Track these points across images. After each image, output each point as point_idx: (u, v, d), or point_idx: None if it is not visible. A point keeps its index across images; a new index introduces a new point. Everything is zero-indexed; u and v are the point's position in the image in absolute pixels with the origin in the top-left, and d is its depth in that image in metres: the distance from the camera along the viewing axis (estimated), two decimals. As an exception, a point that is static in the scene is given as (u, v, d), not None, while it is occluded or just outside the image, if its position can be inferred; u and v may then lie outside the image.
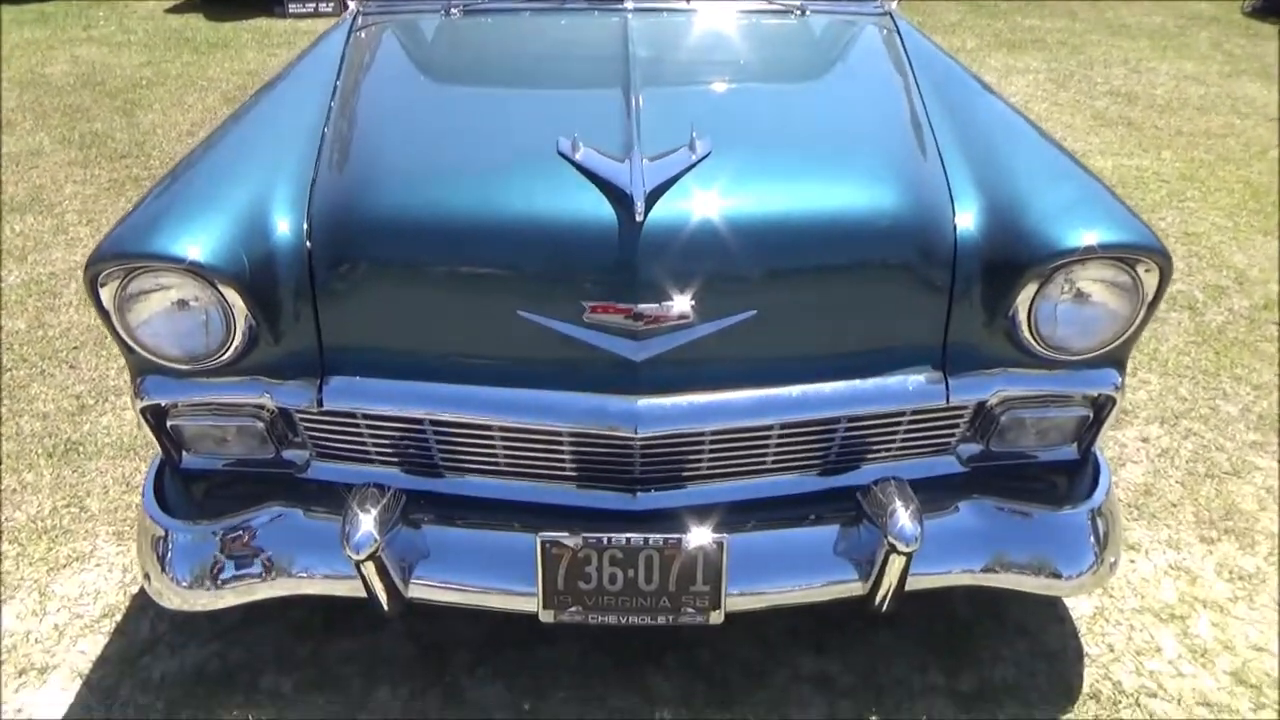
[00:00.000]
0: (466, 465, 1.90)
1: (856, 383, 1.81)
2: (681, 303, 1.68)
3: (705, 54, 2.53)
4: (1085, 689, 2.08)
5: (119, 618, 2.23)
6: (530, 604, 1.82)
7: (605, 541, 1.76)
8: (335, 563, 1.82)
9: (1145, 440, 2.92)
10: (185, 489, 1.96)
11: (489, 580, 1.84)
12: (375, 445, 1.88)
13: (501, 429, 1.80)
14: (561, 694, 2.03)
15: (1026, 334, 1.80)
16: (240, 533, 1.87)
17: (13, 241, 4.11)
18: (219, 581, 1.85)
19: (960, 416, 1.91)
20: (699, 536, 1.77)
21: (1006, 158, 2.01)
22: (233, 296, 1.69)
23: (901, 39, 2.63)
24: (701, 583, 1.79)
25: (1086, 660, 2.15)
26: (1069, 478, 2.01)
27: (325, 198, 1.82)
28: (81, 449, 2.85)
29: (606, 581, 1.78)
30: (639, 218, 1.61)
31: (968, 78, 2.52)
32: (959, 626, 2.22)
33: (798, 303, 1.77)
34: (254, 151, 2.01)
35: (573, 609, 1.80)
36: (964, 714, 2.01)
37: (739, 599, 1.82)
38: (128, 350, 1.78)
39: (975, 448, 1.98)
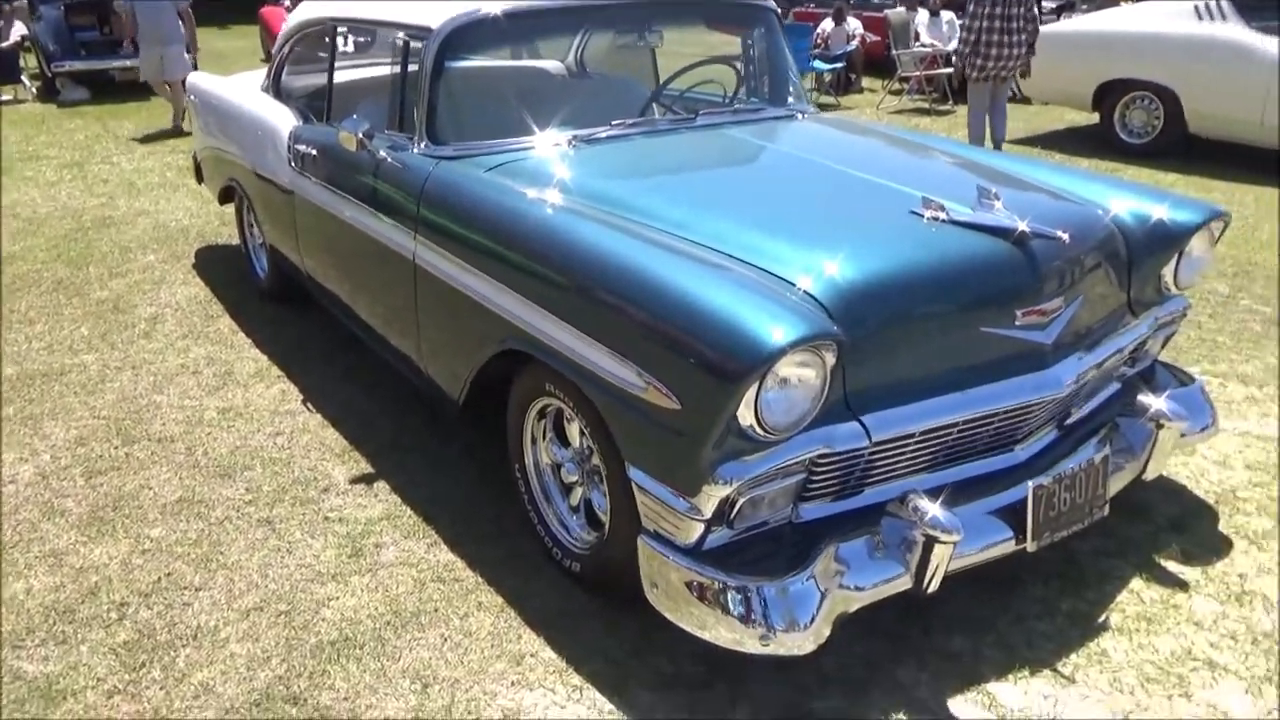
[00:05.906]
0: (916, 467, 2.42)
1: (1118, 328, 2.73)
2: (1060, 299, 2.46)
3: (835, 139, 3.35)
4: (1225, 527, 3.12)
5: None
6: (1009, 547, 2.41)
7: (1062, 474, 2.44)
8: (894, 567, 2.26)
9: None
10: (738, 555, 2.23)
11: (983, 541, 2.39)
12: (872, 470, 2.33)
13: (966, 422, 2.37)
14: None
15: (1170, 283, 2.86)
16: (837, 565, 2.22)
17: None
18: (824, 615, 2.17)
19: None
20: (1099, 454, 2.53)
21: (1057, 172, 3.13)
22: (830, 360, 2.08)
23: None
24: (1099, 488, 2.55)
25: (1213, 503, 3.20)
26: (1172, 371, 3.14)
27: (819, 277, 2.26)
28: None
29: (1062, 506, 2.46)
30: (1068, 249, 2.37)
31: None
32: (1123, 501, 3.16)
33: (1093, 286, 2.64)
34: (701, 263, 2.34)
35: (1045, 534, 2.44)
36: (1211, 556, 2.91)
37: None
38: (720, 439, 2.04)
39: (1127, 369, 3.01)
